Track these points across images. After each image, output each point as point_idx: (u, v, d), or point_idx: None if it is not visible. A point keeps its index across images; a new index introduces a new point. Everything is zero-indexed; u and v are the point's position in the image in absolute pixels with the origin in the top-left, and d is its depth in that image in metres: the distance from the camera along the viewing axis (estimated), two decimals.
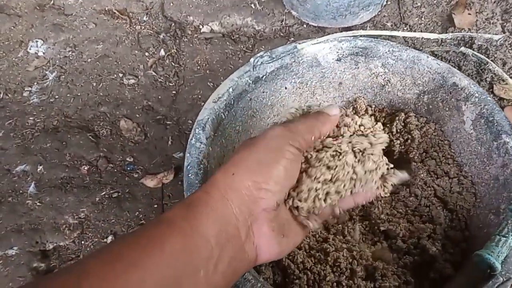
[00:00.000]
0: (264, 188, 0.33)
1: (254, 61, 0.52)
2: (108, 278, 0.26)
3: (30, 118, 0.81)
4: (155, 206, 0.72)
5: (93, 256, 0.28)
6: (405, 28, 0.84)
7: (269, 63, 0.53)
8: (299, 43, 0.53)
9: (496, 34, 0.72)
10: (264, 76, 0.53)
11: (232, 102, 0.51)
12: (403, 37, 0.58)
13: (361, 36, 0.54)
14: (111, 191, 0.72)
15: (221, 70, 0.86)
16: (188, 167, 0.45)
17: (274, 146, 0.35)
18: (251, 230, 0.33)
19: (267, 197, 0.34)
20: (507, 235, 0.37)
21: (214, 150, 0.48)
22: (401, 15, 0.86)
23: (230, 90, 0.51)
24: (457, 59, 0.76)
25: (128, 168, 0.75)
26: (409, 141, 0.54)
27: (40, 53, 0.91)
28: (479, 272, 0.37)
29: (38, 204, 0.71)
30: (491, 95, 0.75)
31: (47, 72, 0.87)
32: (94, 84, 0.85)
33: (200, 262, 0.29)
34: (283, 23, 0.91)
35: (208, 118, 0.48)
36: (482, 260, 0.37)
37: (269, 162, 0.34)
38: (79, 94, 0.84)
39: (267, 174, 0.34)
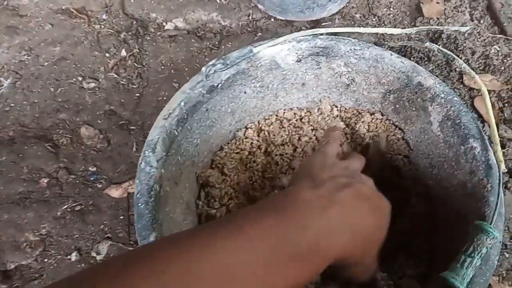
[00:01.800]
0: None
1: (206, 70, 0.48)
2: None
3: None
4: (121, 217, 0.69)
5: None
6: (374, 20, 0.81)
7: (223, 70, 0.49)
8: (255, 46, 0.50)
9: (463, 26, 0.69)
10: (220, 84, 0.50)
11: (185, 116, 0.48)
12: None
13: (320, 34, 0.51)
14: (74, 204, 0.69)
15: (186, 69, 0.83)
16: (138, 195, 0.41)
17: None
18: None
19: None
20: (472, 255, 0.35)
21: (168, 171, 0.45)
22: (370, 6, 0.83)
23: (182, 103, 0.47)
24: (426, 50, 0.73)
25: (91, 178, 0.71)
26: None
27: None
28: None
29: None
30: (461, 86, 0.73)
31: (1, 79, 0.82)
32: (52, 89, 0.81)
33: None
34: (250, 17, 0.87)
35: (159, 137, 0.45)
36: (447, 285, 0.35)
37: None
38: (36, 101, 0.79)
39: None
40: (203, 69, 0.48)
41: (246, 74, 0.51)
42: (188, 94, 0.47)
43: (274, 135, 0.56)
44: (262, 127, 0.57)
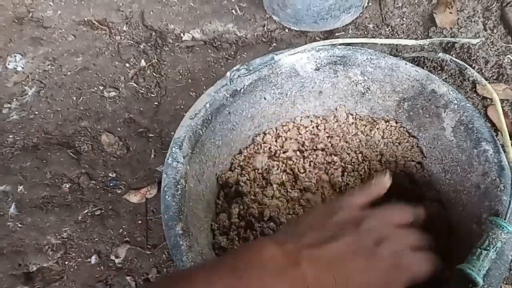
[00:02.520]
0: None
1: (230, 74, 0.51)
2: None
3: (10, 136, 0.79)
4: (139, 222, 0.70)
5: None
6: (387, 30, 0.84)
7: (246, 75, 0.52)
8: (276, 54, 0.52)
9: (475, 36, 0.71)
10: (242, 89, 0.52)
11: (210, 118, 0.50)
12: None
13: (339, 44, 0.53)
14: (94, 209, 0.71)
15: (203, 79, 0.85)
16: (165, 188, 0.44)
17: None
18: None
19: None
20: (488, 248, 0.37)
21: (192, 168, 0.47)
22: (383, 16, 0.86)
23: (207, 105, 0.50)
24: (439, 60, 0.76)
25: (111, 184, 0.73)
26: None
27: (19, 68, 0.89)
28: (461, 287, 0.37)
29: (19, 225, 0.69)
30: (475, 95, 0.75)
31: (26, 88, 0.86)
32: (74, 98, 0.84)
33: None
34: (265, 28, 0.90)
35: (185, 135, 0.47)
36: (464, 275, 0.36)
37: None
38: (59, 109, 0.82)
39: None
40: (228, 73, 0.50)
41: (267, 80, 0.53)
42: (213, 96, 0.49)
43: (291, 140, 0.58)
44: (280, 133, 0.59)
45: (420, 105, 0.52)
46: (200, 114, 0.49)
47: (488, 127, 0.46)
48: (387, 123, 0.56)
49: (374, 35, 0.82)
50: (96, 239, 0.69)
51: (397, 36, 0.81)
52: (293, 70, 0.54)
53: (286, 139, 0.59)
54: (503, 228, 0.37)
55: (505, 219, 0.39)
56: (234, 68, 0.51)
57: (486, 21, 0.81)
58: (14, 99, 0.84)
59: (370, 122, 0.57)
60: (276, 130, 0.60)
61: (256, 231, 0.49)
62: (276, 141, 0.59)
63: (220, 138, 0.53)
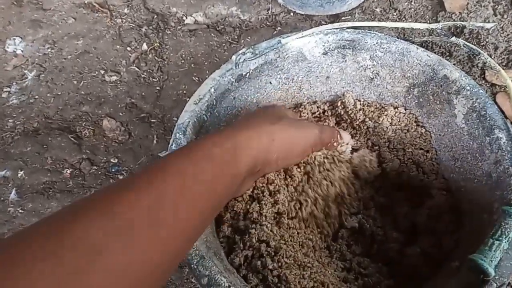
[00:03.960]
0: (280, 166, 0.44)
1: (236, 58, 0.49)
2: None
3: (10, 120, 0.78)
4: None
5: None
6: (395, 14, 0.82)
7: (252, 59, 0.50)
8: (283, 38, 0.51)
9: (487, 21, 0.69)
10: (248, 74, 0.51)
11: (214, 103, 0.49)
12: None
13: (347, 28, 0.52)
14: None
15: (206, 63, 0.84)
16: None
17: (305, 141, 0.45)
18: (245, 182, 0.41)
19: (274, 170, 0.45)
20: (500, 238, 0.36)
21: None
22: (390, 0, 0.84)
23: (212, 90, 0.48)
24: (448, 45, 0.74)
25: (113, 170, 0.72)
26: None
27: (19, 51, 0.88)
28: (472, 278, 0.36)
29: (20, 211, 0.69)
30: (483, 81, 0.73)
31: (26, 71, 0.84)
32: (75, 82, 0.82)
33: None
34: (269, 12, 0.88)
35: (189, 121, 0.46)
36: (475, 266, 0.35)
37: (294, 155, 0.45)
38: (59, 93, 0.81)
39: (290, 159, 0.45)
40: (233, 57, 0.48)
41: (273, 64, 0.52)
42: (218, 81, 0.48)
43: None
44: None
45: (430, 91, 0.51)
46: (204, 99, 0.47)
47: (501, 114, 0.45)
48: (396, 109, 0.55)
49: (381, 19, 0.80)
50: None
51: (405, 21, 0.79)
52: (300, 54, 0.52)
53: None
54: None
55: None
56: (240, 51, 0.49)
57: (496, 6, 0.79)
58: (14, 83, 0.83)
59: (378, 108, 0.56)
60: None
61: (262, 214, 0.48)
62: None
63: (225, 124, 0.52)
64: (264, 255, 0.45)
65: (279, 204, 0.46)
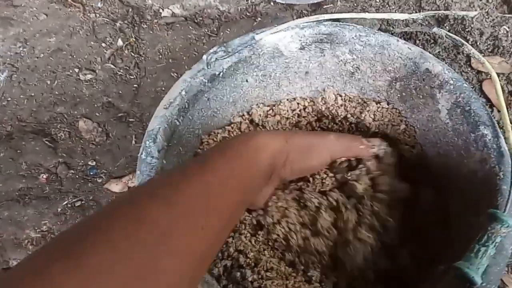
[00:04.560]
0: (295, 170, 0.43)
1: (207, 58, 0.46)
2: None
3: None
4: None
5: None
6: (377, 1, 0.79)
7: (225, 58, 0.48)
8: (257, 34, 0.48)
9: (472, 8, 0.66)
10: (221, 73, 0.48)
11: (186, 106, 0.46)
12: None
13: (324, 20, 0.49)
14: (74, 200, 0.68)
15: (184, 58, 0.81)
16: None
17: (320, 148, 0.45)
18: (264, 188, 0.43)
19: (290, 176, 0.45)
20: (487, 244, 0.34)
21: (169, 162, 0.44)
22: None
23: (183, 92, 0.46)
24: (431, 33, 0.71)
25: (91, 173, 0.70)
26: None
27: None
28: (459, 287, 0.34)
29: None
30: (469, 69, 0.71)
31: None
32: (49, 82, 0.79)
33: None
34: (249, 1, 0.85)
35: (159, 127, 0.43)
36: (461, 274, 0.34)
37: (308, 160, 0.44)
38: (33, 94, 0.78)
39: (304, 163, 0.44)
40: (204, 57, 0.46)
41: (248, 62, 0.49)
42: (189, 82, 0.45)
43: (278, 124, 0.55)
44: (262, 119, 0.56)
45: (413, 85, 0.48)
46: (175, 103, 0.45)
47: (486, 109, 0.43)
48: (378, 104, 0.52)
49: (364, 7, 0.78)
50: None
51: (388, 8, 0.76)
52: (276, 50, 0.50)
53: (271, 123, 0.55)
54: (502, 222, 0.34)
55: (504, 211, 0.36)
56: (211, 50, 0.46)
57: None
58: None
59: (360, 103, 0.54)
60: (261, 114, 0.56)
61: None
62: (261, 125, 0.55)
63: (200, 126, 0.49)
64: (244, 265, 0.43)
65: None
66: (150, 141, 0.42)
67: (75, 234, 0.25)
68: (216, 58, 0.47)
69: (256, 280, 0.41)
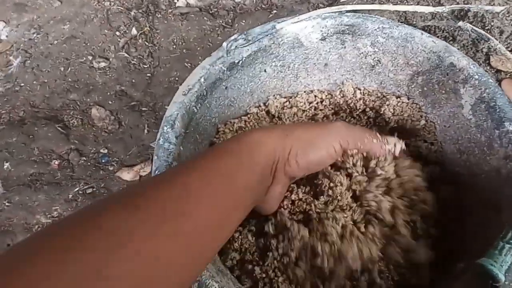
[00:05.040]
0: (296, 160, 0.38)
1: (227, 45, 0.46)
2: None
3: None
4: None
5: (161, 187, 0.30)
6: None
7: (245, 46, 0.47)
8: (278, 22, 0.47)
9: (496, 6, 0.65)
10: (240, 61, 0.47)
11: (205, 93, 0.45)
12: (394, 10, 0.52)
13: (347, 11, 0.48)
14: (85, 187, 0.67)
15: (198, 48, 0.80)
16: (157, 171, 0.40)
17: (327, 137, 0.40)
18: (271, 178, 0.39)
19: (298, 172, 0.39)
20: (511, 241, 0.33)
21: (186, 149, 0.43)
22: None
23: (202, 80, 0.45)
24: (451, 29, 0.70)
25: (103, 161, 0.70)
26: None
27: (3, 37, 0.84)
28: (481, 284, 0.34)
29: (7, 204, 0.66)
30: (488, 67, 0.70)
31: (11, 58, 0.81)
32: (62, 69, 0.79)
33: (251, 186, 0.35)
34: None
35: (178, 113, 0.43)
36: (484, 271, 0.33)
37: (316, 146, 0.39)
38: (46, 80, 0.78)
39: (311, 155, 0.39)
40: (224, 44, 0.45)
41: (267, 51, 0.48)
42: (208, 70, 0.45)
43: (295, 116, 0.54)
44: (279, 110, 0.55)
45: (436, 79, 0.48)
46: (193, 90, 0.44)
47: (511, 105, 0.42)
48: (398, 99, 0.52)
49: (382, 2, 0.77)
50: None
51: (407, 3, 0.75)
52: (296, 40, 0.49)
53: (287, 115, 0.55)
54: None
55: None
56: (231, 38, 0.46)
57: None
58: None
59: (379, 97, 0.53)
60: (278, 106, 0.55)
61: None
62: (277, 117, 0.54)
63: (217, 115, 0.49)
64: (253, 263, 0.42)
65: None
66: (168, 127, 0.42)
67: (33, 240, 0.25)
68: (236, 46, 0.46)
69: (264, 277, 0.41)
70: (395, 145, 0.43)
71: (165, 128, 0.42)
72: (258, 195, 0.38)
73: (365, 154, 0.42)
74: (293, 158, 0.38)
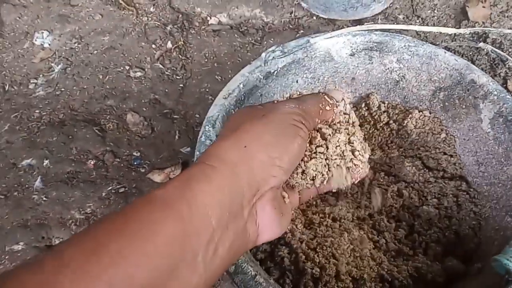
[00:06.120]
0: (278, 165, 0.32)
1: (265, 56, 0.50)
2: (91, 272, 0.22)
3: (36, 111, 0.80)
4: None
5: (72, 243, 0.24)
6: (417, 21, 0.82)
7: (281, 57, 0.51)
8: (312, 37, 0.52)
9: None
10: (276, 71, 0.52)
11: (242, 98, 0.50)
12: (416, 31, 0.56)
13: (375, 30, 0.53)
14: (118, 186, 0.71)
15: (229, 63, 0.85)
16: None
17: (289, 122, 0.34)
18: (254, 208, 0.31)
19: (279, 174, 0.32)
20: None
21: None
22: (414, 7, 0.84)
23: (241, 86, 0.49)
24: (470, 53, 0.74)
25: (135, 163, 0.74)
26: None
27: (46, 45, 0.90)
28: (497, 278, 0.36)
29: (44, 199, 0.70)
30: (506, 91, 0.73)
31: (53, 64, 0.86)
32: (101, 76, 0.84)
33: (198, 248, 0.26)
34: (293, 15, 0.89)
35: (219, 114, 0.47)
36: (500, 265, 0.36)
37: (286, 138, 0.33)
38: (85, 86, 0.83)
39: (283, 150, 0.32)
40: (263, 54, 0.49)
41: (300, 64, 0.52)
42: (247, 77, 0.49)
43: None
44: None
45: (457, 95, 0.51)
46: (233, 94, 0.48)
47: None
48: (421, 113, 0.55)
49: (408, 23, 0.81)
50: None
51: (428, 25, 0.79)
52: (327, 54, 0.53)
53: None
54: None
55: None
56: (270, 49, 0.50)
57: None
58: (41, 75, 0.85)
59: (402, 111, 0.56)
60: None
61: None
62: None
63: None
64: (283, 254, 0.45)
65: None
66: (209, 126, 0.46)
67: None
68: (273, 57, 0.50)
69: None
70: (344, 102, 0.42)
71: (206, 127, 0.46)
72: (232, 233, 0.29)
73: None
74: (271, 166, 0.32)
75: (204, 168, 0.29)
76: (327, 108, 0.38)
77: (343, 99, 0.41)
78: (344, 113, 0.41)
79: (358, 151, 0.40)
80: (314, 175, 0.37)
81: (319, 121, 0.38)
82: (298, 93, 0.46)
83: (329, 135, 0.38)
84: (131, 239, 0.24)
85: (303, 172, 0.37)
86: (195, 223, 0.26)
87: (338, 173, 0.39)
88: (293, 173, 0.37)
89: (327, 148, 0.38)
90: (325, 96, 0.39)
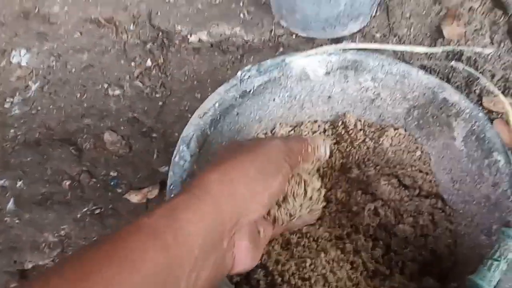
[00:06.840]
0: (259, 201, 0.33)
1: (241, 74, 0.50)
2: None
3: (11, 130, 0.78)
4: None
5: (57, 272, 0.24)
6: (394, 40, 0.84)
7: (257, 77, 0.51)
8: (288, 56, 0.52)
9: (486, 47, 0.71)
10: (252, 90, 0.52)
11: (218, 118, 0.49)
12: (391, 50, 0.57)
13: (350, 49, 0.53)
14: (94, 207, 0.70)
15: (209, 81, 0.85)
16: (171, 187, 0.43)
17: (274, 159, 0.36)
18: (232, 240, 0.33)
19: (259, 209, 0.34)
20: (499, 259, 0.36)
21: (199, 168, 0.47)
22: (390, 26, 0.86)
23: (217, 105, 0.49)
24: (446, 71, 0.75)
25: (112, 183, 0.72)
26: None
27: (23, 63, 0.89)
28: None
29: (17, 221, 0.68)
30: (480, 108, 0.74)
31: (29, 83, 0.85)
32: (78, 95, 0.83)
33: (182, 276, 0.28)
34: (272, 33, 0.90)
35: (193, 134, 0.46)
36: (475, 285, 0.36)
37: (270, 174, 0.35)
38: (62, 105, 0.82)
39: (266, 186, 0.34)
40: (239, 73, 0.49)
41: (277, 82, 0.53)
42: (222, 96, 0.49)
43: None
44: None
45: (430, 113, 0.52)
46: (209, 113, 0.48)
47: (500, 137, 0.46)
48: (396, 130, 0.56)
49: (382, 42, 0.82)
50: (95, 238, 0.68)
51: (404, 44, 0.81)
52: (303, 73, 0.53)
53: None
54: None
55: None
56: (245, 68, 0.50)
57: (493, 35, 0.81)
58: (17, 94, 0.84)
59: (378, 129, 0.57)
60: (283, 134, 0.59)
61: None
62: None
63: (227, 139, 0.52)
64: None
65: None
66: (184, 145, 0.45)
67: None
68: (249, 76, 0.50)
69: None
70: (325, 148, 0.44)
71: (181, 147, 0.46)
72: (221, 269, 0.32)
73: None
74: (253, 201, 0.33)
75: (189, 197, 0.31)
76: (309, 150, 0.41)
77: (324, 144, 0.43)
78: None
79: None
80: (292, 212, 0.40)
81: (301, 160, 0.40)
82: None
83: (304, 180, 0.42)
84: (120, 267, 0.25)
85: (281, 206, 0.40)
86: (179, 252, 0.28)
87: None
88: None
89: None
90: (308, 139, 0.42)
